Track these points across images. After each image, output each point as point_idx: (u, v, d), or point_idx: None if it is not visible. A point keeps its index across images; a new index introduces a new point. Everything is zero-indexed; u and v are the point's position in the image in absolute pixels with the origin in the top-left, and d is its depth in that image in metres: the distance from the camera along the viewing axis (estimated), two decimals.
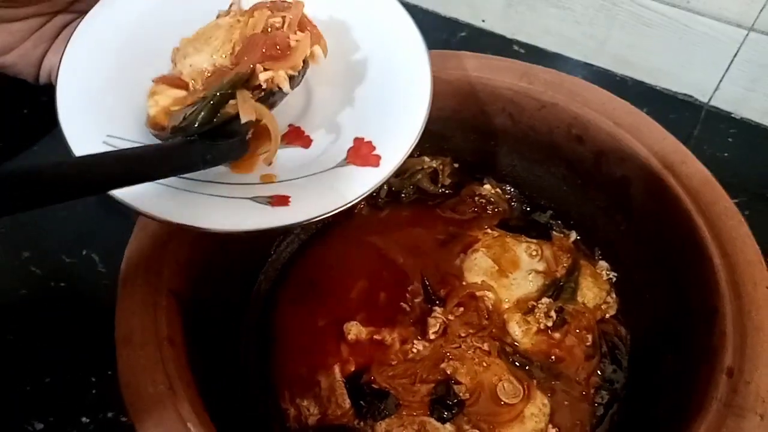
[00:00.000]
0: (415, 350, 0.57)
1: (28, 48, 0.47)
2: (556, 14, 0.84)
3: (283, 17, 0.44)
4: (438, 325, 0.59)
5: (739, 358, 0.45)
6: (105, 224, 0.71)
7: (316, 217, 0.41)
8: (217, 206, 0.41)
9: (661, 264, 0.57)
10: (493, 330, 0.59)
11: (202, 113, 0.41)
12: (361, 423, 0.54)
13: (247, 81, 0.42)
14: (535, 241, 0.64)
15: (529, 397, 0.55)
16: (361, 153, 0.44)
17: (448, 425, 0.54)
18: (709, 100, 0.82)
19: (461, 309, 0.60)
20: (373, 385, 0.56)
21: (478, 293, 0.60)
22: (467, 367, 0.56)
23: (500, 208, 0.68)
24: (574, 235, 0.66)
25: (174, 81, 0.45)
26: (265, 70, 0.42)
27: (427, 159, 0.68)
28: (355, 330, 0.59)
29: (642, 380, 0.56)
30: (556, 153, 0.63)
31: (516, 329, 0.59)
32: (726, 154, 0.78)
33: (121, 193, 0.39)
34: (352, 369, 0.57)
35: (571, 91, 0.59)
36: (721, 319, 0.48)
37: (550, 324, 0.59)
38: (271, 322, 0.62)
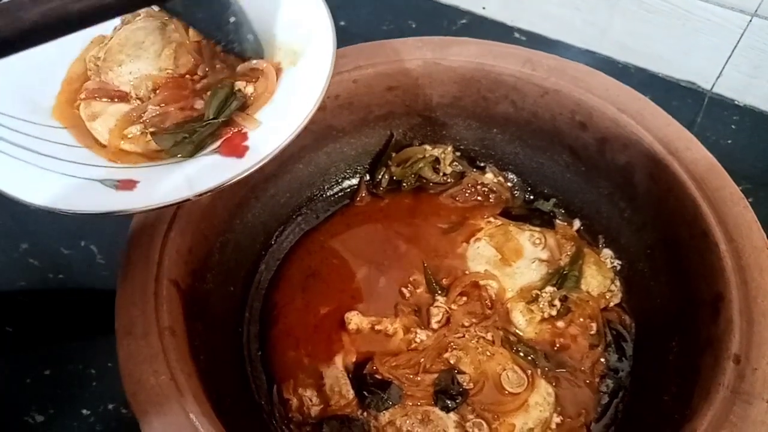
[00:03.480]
0: (418, 340, 0.57)
1: None
2: (556, 1, 0.83)
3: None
4: (441, 314, 0.58)
5: (745, 345, 0.45)
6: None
7: (155, 206, 0.39)
8: (65, 186, 0.40)
9: (666, 251, 0.56)
10: (497, 319, 0.58)
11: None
12: (365, 413, 0.54)
13: None
14: (538, 229, 0.64)
15: (534, 386, 0.55)
16: (233, 143, 0.42)
17: (452, 415, 0.53)
18: (712, 87, 0.81)
19: (464, 298, 0.59)
20: (376, 375, 0.55)
21: (481, 282, 0.60)
22: (471, 357, 0.56)
23: (503, 197, 0.67)
24: (577, 223, 0.65)
25: (110, 93, 0.44)
26: None
27: (428, 147, 0.68)
28: (356, 320, 0.58)
29: (647, 368, 0.56)
30: (559, 140, 0.62)
31: (520, 318, 0.58)
32: (729, 141, 0.77)
33: None
34: (354, 359, 0.57)
35: (575, 77, 0.59)
36: (727, 305, 0.47)
37: (554, 313, 0.58)
38: (273, 311, 0.61)
